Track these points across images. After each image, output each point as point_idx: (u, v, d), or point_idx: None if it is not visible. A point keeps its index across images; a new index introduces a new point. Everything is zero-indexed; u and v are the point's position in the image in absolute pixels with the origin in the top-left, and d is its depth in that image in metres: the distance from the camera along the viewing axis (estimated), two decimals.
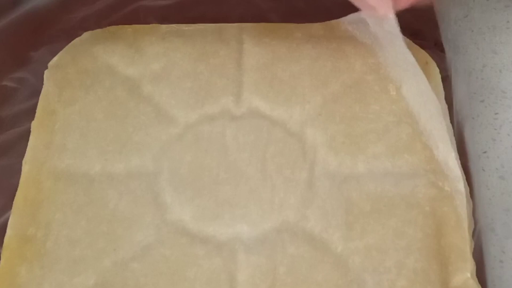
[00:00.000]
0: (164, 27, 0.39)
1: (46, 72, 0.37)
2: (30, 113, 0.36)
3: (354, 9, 0.41)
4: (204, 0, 0.41)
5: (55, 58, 0.37)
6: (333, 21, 0.38)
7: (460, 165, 0.34)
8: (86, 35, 0.39)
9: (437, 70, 0.37)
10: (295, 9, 0.41)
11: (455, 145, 0.34)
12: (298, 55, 0.37)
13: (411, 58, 0.33)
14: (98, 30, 0.39)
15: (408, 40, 0.38)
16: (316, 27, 0.39)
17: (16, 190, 0.33)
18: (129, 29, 0.39)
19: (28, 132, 0.35)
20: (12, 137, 0.36)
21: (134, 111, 0.36)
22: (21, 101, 0.37)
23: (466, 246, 0.31)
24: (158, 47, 0.38)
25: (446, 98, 0.36)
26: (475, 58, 0.41)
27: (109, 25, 0.39)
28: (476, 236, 0.32)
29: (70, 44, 0.38)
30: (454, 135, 0.35)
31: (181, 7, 0.41)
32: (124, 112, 0.36)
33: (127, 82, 0.37)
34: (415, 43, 0.38)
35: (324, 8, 0.41)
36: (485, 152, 0.37)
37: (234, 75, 0.37)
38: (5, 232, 0.32)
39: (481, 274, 0.32)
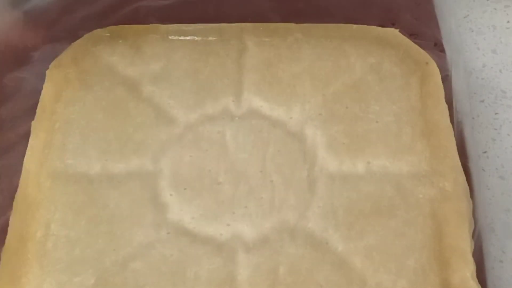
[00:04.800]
0: (164, 27, 0.39)
1: (47, 72, 0.37)
2: (30, 113, 0.36)
3: (354, 9, 0.41)
4: (204, 0, 0.41)
5: (56, 59, 0.37)
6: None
7: (460, 165, 0.34)
8: (86, 35, 0.38)
9: (437, 70, 0.37)
10: (295, 9, 0.41)
11: (455, 145, 0.34)
12: (298, 55, 0.37)
13: None
14: (98, 30, 0.39)
15: (408, 40, 0.38)
16: (316, 27, 0.38)
17: (16, 190, 0.33)
18: (129, 29, 0.39)
19: (28, 132, 0.35)
20: (12, 137, 0.36)
21: (134, 111, 0.36)
22: (21, 101, 0.37)
23: (466, 246, 0.31)
24: (158, 47, 0.38)
25: (446, 98, 0.36)
26: (475, 58, 0.41)
27: (109, 25, 0.39)
28: (476, 236, 0.32)
29: (71, 45, 0.38)
30: (454, 135, 0.35)
31: (181, 7, 0.41)
32: (124, 112, 0.36)
33: (127, 82, 0.37)
34: (415, 43, 0.38)
35: (324, 8, 0.41)
36: (485, 152, 0.37)
37: (234, 75, 0.37)
38: (5, 232, 0.32)
39: (481, 274, 0.32)
